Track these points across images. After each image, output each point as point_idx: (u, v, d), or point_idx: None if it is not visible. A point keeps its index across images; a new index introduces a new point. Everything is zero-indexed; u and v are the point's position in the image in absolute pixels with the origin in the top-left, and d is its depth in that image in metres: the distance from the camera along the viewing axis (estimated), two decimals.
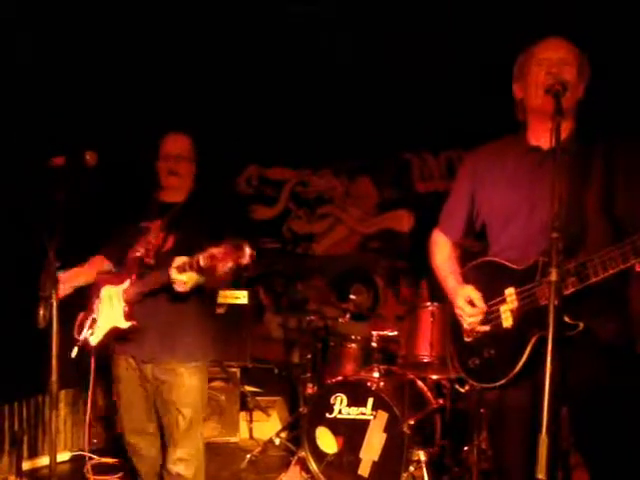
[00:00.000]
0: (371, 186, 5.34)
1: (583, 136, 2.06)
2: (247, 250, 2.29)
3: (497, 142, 2.23)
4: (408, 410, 3.42)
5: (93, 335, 2.67)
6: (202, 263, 2.34)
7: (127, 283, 2.64)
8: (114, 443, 4.00)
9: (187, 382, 2.66)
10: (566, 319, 1.87)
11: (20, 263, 3.40)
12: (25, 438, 3.76)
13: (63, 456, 4.03)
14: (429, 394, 3.80)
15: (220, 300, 3.87)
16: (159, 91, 4.52)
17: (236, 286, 4.62)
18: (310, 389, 4.02)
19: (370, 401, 3.48)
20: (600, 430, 1.96)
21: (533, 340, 1.94)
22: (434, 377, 3.84)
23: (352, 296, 4.25)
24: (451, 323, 2.22)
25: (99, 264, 2.89)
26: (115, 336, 2.65)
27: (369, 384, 3.54)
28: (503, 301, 2.03)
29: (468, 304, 2.09)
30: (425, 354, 3.76)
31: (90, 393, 2.58)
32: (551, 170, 1.84)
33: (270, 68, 4.80)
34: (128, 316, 2.60)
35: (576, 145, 2.03)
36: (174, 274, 2.41)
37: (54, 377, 2.08)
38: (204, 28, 4.39)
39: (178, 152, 2.83)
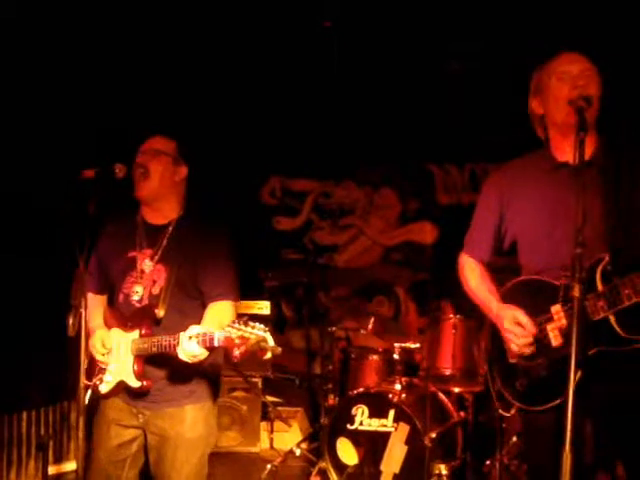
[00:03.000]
0: (394, 197, 5.35)
1: (609, 148, 2.05)
2: (270, 348, 2.03)
3: (521, 160, 2.21)
4: (430, 423, 3.42)
5: (102, 384, 2.38)
6: (216, 343, 2.07)
7: (136, 334, 2.32)
8: None
9: (188, 422, 2.35)
10: (623, 333, 1.84)
11: (50, 272, 3.45)
12: (51, 443, 3.82)
13: None
14: (451, 407, 3.78)
15: (242, 311, 3.89)
16: (181, 104, 4.58)
17: (258, 297, 4.66)
18: (331, 400, 4.03)
19: (391, 413, 3.48)
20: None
21: (589, 354, 1.88)
22: (456, 390, 3.83)
23: (374, 308, 4.25)
24: (491, 344, 2.17)
25: (99, 303, 2.55)
26: (123, 389, 2.36)
27: (391, 396, 3.54)
28: (550, 319, 1.98)
29: (517, 326, 2.02)
30: (447, 367, 3.75)
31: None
32: (579, 185, 1.82)
33: (293, 80, 4.85)
34: (139, 375, 2.30)
35: (604, 158, 2.02)
36: (188, 347, 2.10)
37: (82, 383, 2.10)
38: (226, 40, 4.45)
39: (149, 147, 2.40)
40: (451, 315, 3.80)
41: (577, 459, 1.63)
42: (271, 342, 2.04)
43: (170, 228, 2.41)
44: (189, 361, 2.16)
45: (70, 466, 3.90)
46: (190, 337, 2.11)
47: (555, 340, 1.97)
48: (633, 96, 3.60)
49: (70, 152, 3.60)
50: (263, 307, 4.62)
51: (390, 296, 5.17)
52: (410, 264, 5.22)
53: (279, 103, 4.96)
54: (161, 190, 2.40)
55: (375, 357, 3.97)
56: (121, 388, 2.36)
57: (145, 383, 2.30)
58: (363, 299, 5.08)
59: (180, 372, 2.32)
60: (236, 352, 2.02)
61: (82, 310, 2.08)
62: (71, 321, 2.08)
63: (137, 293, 2.37)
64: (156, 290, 2.36)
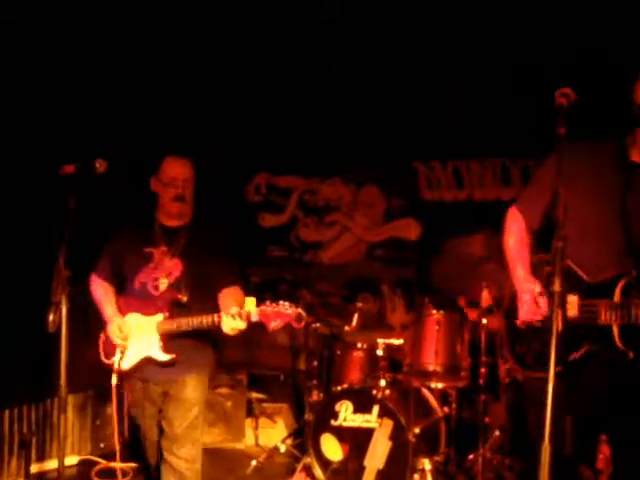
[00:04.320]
0: (379, 194, 5.37)
1: None
2: (303, 318, 2.45)
3: (595, 143, 2.18)
4: (413, 418, 3.43)
5: (124, 361, 2.73)
6: (253, 318, 2.46)
7: (160, 317, 2.66)
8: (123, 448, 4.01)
9: (192, 393, 2.73)
10: (620, 345, 1.93)
11: (31, 269, 3.43)
12: (33, 441, 3.79)
13: (71, 460, 4.05)
14: (434, 402, 3.80)
15: None
16: (168, 101, 4.55)
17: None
18: (316, 396, 4.04)
19: (375, 409, 3.49)
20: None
21: (582, 351, 1.98)
22: (439, 385, 3.85)
23: (358, 304, 4.26)
24: (508, 310, 2.25)
25: (110, 290, 2.87)
26: (146, 364, 2.70)
27: (374, 392, 3.55)
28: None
29: (533, 302, 2.10)
30: (430, 362, 3.77)
31: (116, 416, 2.72)
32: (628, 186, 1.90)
33: (280, 77, 4.84)
34: (166, 349, 2.66)
35: None
36: (232, 323, 2.47)
37: (63, 381, 2.11)
38: (213, 36, 4.43)
39: (185, 177, 2.76)
40: (434, 311, 3.81)
41: (557, 452, 1.67)
42: (304, 314, 2.48)
43: (184, 230, 2.79)
44: (231, 333, 2.53)
45: (52, 464, 3.88)
46: (233, 315, 2.47)
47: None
48: None
49: (51, 148, 3.57)
50: (248, 303, 4.61)
51: (375, 292, 5.19)
52: (394, 261, 5.24)
53: (265, 101, 4.95)
54: (190, 206, 2.81)
55: (359, 353, 3.97)
56: (144, 363, 2.69)
57: (174, 356, 2.65)
58: (348, 295, 5.09)
59: (188, 350, 2.68)
60: (272, 324, 2.45)
61: (62, 307, 2.08)
62: (51, 317, 2.08)
63: (163, 284, 2.70)
64: (172, 280, 2.71)
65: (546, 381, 1.96)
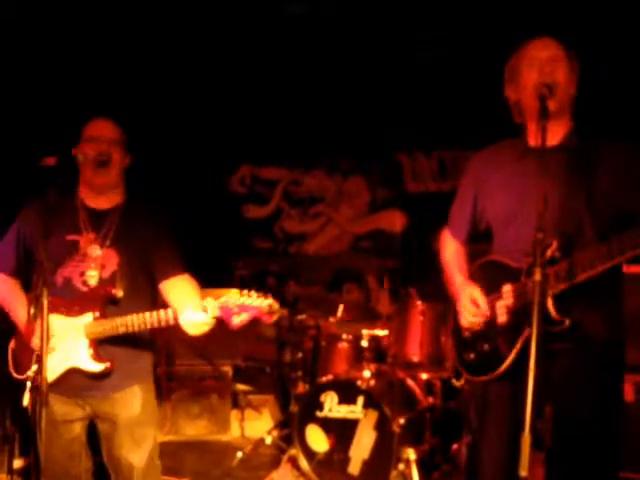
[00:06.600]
0: (363, 186, 5.37)
1: (581, 133, 2.08)
2: (275, 311, 2.09)
3: (498, 144, 2.25)
4: (398, 409, 3.45)
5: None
6: (211, 314, 2.09)
7: (89, 317, 2.24)
8: None
9: (139, 403, 2.33)
10: (553, 315, 1.90)
11: None
12: None
13: None
14: (419, 393, 3.82)
15: None
16: (153, 91, 4.52)
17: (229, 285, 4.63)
18: (301, 388, 4.04)
19: (360, 400, 3.50)
20: (575, 426, 1.98)
21: (525, 335, 1.96)
22: (424, 376, 3.87)
23: (343, 295, 4.27)
24: (453, 318, 2.25)
25: (17, 287, 2.42)
26: (71, 377, 2.25)
27: (359, 383, 3.55)
28: (500, 297, 2.06)
29: (472, 304, 2.10)
30: (415, 353, 3.78)
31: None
32: (543, 170, 1.88)
33: (263, 68, 4.81)
34: (98, 358, 2.23)
35: (575, 142, 2.06)
36: (194, 316, 2.10)
37: None
38: (199, 26, 4.40)
39: (110, 136, 2.34)
40: (419, 302, 3.82)
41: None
42: (276, 305, 2.10)
43: (117, 213, 2.40)
44: (196, 331, 2.17)
45: None
46: (192, 309, 2.11)
47: (500, 317, 2.05)
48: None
49: (28, 140, 3.53)
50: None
51: (360, 284, 5.21)
52: (379, 252, 5.25)
53: (249, 92, 4.93)
54: (117, 178, 2.41)
55: (344, 344, 3.98)
56: (69, 376, 2.25)
57: (109, 364, 2.23)
58: (333, 287, 5.10)
59: (124, 355, 2.29)
60: (236, 320, 2.05)
61: None
62: None
63: (93, 278, 2.29)
64: (106, 274, 2.31)
65: (490, 383, 2.02)
